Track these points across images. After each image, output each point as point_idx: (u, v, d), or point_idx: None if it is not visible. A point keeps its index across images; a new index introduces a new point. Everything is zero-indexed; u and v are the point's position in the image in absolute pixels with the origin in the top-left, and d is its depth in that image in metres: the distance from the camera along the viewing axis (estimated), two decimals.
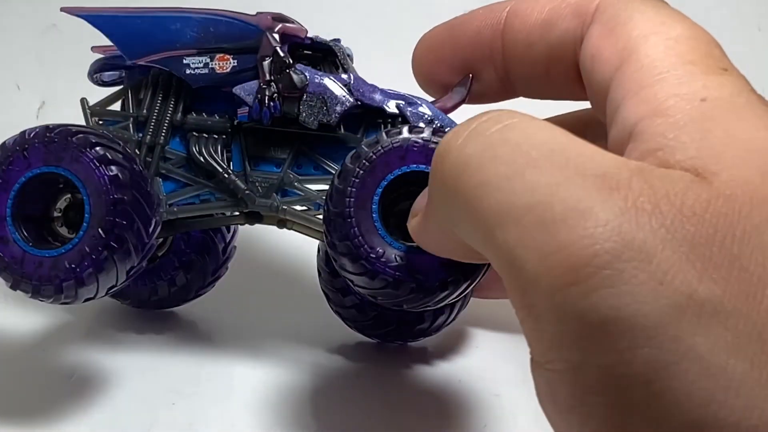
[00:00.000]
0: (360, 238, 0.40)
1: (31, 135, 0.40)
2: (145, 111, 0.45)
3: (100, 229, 0.39)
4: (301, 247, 0.53)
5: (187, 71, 0.44)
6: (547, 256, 0.23)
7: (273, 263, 0.58)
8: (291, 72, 0.42)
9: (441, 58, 0.43)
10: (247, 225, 0.46)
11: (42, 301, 0.40)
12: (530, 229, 0.24)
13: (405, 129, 0.40)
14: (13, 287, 0.40)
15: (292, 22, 0.44)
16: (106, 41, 0.44)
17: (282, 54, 0.42)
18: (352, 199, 0.40)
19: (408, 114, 0.43)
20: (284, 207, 0.44)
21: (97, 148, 0.40)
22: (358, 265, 0.40)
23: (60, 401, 0.45)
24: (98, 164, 0.40)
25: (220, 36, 0.43)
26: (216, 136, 0.44)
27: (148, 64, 0.44)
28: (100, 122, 0.45)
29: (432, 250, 0.35)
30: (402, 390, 0.46)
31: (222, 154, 0.44)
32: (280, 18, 0.44)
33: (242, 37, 0.43)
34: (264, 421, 0.43)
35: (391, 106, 0.43)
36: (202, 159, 0.44)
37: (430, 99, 0.45)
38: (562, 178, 0.24)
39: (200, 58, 0.43)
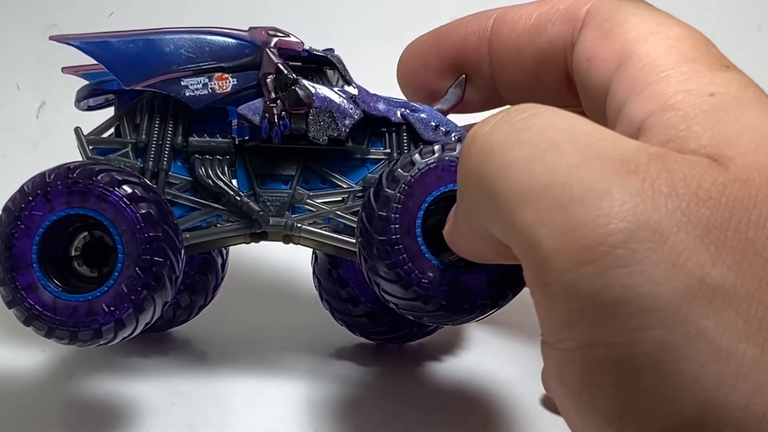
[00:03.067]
0: (410, 264, 0.39)
1: (52, 176, 0.39)
2: (144, 136, 0.44)
3: (137, 269, 0.38)
4: (289, 255, 0.53)
5: (187, 93, 0.42)
6: (562, 234, 0.23)
7: (262, 272, 0.58)
8: (296, 88, 0.42)
9: (427, 65, 0.43)
10: None
11: (78, 345, 0.39)
12: (548, 209, 0.24)
13: (437, 147, 0.40)
14: (47, 335, 0.39)
15: (287, 35, 0.43)
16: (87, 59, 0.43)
17: (286, 70, 0.42)
18: (397, 226, 0.40)
19: (413, 121, 0.43)
20: (299, 225, 0.44)
21: (125, 186, 0.39)
22: (410, 292, 0.39)
23: (60, 402, 0.45)
24: (128, 203, 0.39)
25: (216, 55, 0.42)
26: (220, 157, 0.43)
27: (145, 88, 0.42)
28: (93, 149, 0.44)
29: (464, 251, 0.35)
30: (401, 391, 0.46)
31: (228, 175, 0.44)
32: (274, 31, 0.43)
33: (239, 54, 0.42)
34: (263, 421, 0.43)
35: (397, 115, 0.43)
36: (210, 182, 0.43)
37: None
38: (581, 160, 0.24)
39: (198, 79, 0.42)
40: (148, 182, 0.41)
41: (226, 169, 0.43)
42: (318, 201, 0.44)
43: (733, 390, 0.22)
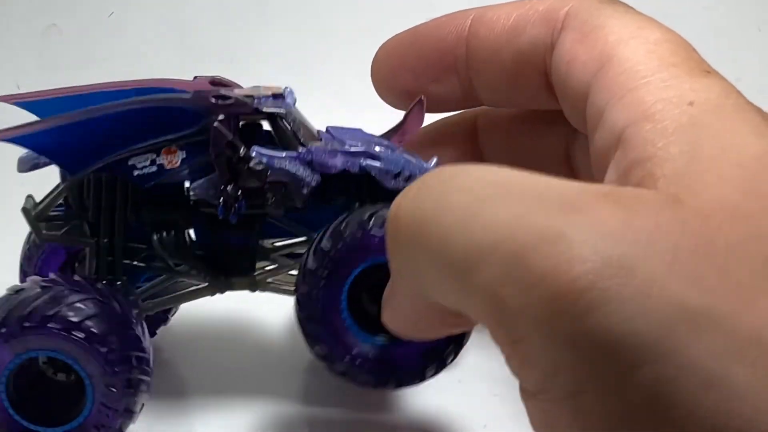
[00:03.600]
0: (334, 343, 0.40)
1: None
2: (93, 212, 0.42)
3: (106, 386, 0.38)
4: None
5: (135, 173, 0.40)
6: (528, 288, 0.22)
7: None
8: (249, 166, 0.40)
9: (403, 66, 0.41)
10: None
11: None
12: (504, 265, 0.23)
13: (366, 215, 0.39)
14: None
15: (230, 85, 0.41)
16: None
17: (237, 148, 0.39)
18: (320, 304, 0.39)
19: (372, 172, 0.41)
20: (264, 281, 0.43)
21: (58, 318, 0.38)
22: (338, 366, 0.40)
23: None
24: (68, 332, 0.38)
25: (161, 127, 0.40)
26: (175, 223, 0.42)
27: (93, 172, 0.40)
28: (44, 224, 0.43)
29: (408, 332, 0.34)
30: (401, 391, 0.46)
31: (185, 238, 0.43)
32: (218, 82, 0.41)
33: (185, 124, 0.40)
34: (263, 420, 0.43)
35: (356, 167, 0.41)
36: (166, 254, 0.42)
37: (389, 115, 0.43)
38: (522, 209, 0.24)
39: (146, 156, 0.40)
40: (84, 282, 0.39)
41: (182, 235, 0.42)
42: (282, 254, 0.43)
43: (733, 413, 0.21)
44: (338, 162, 0.41)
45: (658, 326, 0.21)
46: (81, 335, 0.38)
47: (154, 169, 0.40)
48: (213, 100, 0.39)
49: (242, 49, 0.69)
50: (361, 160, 0.40)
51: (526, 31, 0.36)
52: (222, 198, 0.40)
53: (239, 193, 0.40)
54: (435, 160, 0.41)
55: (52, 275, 0.40)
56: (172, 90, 0.41)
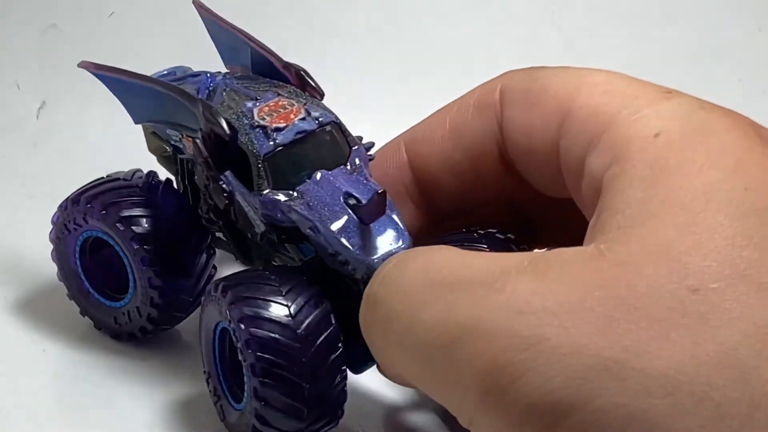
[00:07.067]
0: (215, 390, 0.42)
1: (87, 196, 0.44)
2: (173, 149, 0.46)
3: (153, 277, 0.44)
4: None
5: (173, 142, 0.45)
6: (460, 375, 0.25)
7: None
8: (214, 190, 0.40)
9: None
10: None
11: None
12: (443, 359, 0.26)
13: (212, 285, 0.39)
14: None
15: (312, 85, 0.42)
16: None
17: (211, 167, 0.40)
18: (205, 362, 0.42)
19: (313, 242, 0.39)
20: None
21: (125, 210, 0.43)
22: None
23: (59, 401, 0.45)
24: (123, 226, 0.43)
25: (178, 116, 0.41)
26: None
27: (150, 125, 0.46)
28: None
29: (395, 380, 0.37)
30: (400, 390, 0.46)
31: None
32: (302, 76, 0.42)
33: (192, 123, 0.40)
34: None
35: (305, 230, 0.39)
36: (208, 205, 0.44)
37: None
38: (451, 301, 0.26)
39: (176, 133, 0.44)
40: (158, 191, 0.44)
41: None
42: (287, 254, 0.43)
43: None
44: (286, 218, 0.39)
45: (573, 380, 0.23)
46: (129, 236, 0.43)
47: (181, 145, 0.44)
48: (203, 114, 0.39)
49: None
50: (307, 229, 0.38)
51: (468, 128, 0.36)
52: (199, 203, 0.43)
53: (210, 204, 0.42)
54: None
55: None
56: (269, 64, 0.44)
